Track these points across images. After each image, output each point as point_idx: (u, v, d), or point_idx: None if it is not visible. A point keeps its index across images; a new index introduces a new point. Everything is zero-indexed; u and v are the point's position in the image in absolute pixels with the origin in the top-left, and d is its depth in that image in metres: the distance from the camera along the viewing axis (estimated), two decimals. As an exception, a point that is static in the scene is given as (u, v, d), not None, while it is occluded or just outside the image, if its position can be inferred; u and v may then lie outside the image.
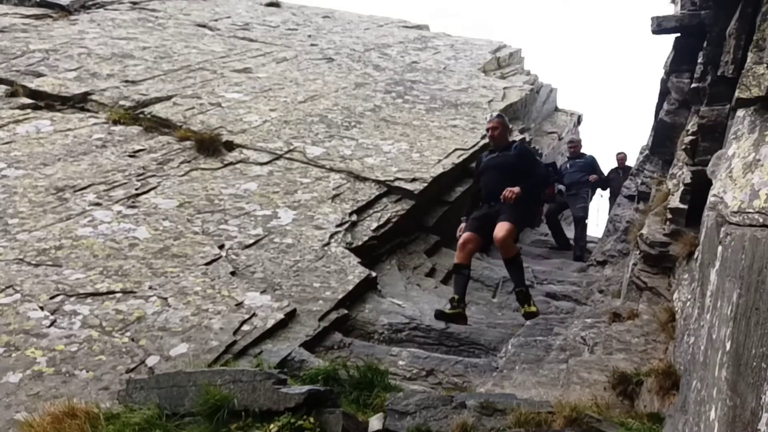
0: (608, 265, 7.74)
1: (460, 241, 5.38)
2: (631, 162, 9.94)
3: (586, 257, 8.70)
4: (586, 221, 9.41)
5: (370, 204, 6.48)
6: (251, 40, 11.11)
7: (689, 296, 3.95)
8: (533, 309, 5.24)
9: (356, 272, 5.34)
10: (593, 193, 9.90)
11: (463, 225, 5.54)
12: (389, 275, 5.98)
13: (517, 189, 5.24)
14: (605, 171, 10.34)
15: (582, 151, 10.01)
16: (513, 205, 5.25)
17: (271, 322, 4.50)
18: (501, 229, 5.15)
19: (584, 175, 9.43)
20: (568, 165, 9.78)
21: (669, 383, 3.55)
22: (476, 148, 7.80)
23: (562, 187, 9.28)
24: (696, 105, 5.50)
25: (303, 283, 5.10)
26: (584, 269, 8.02)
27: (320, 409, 3.11)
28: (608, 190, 10.16)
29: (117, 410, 3.44)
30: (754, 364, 1.70)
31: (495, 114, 5.84)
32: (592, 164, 9.75)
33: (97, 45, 9.44)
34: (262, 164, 6.85)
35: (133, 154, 6.68)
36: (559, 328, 5.17)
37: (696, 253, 3.95)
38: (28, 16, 10.26)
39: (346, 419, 3.06)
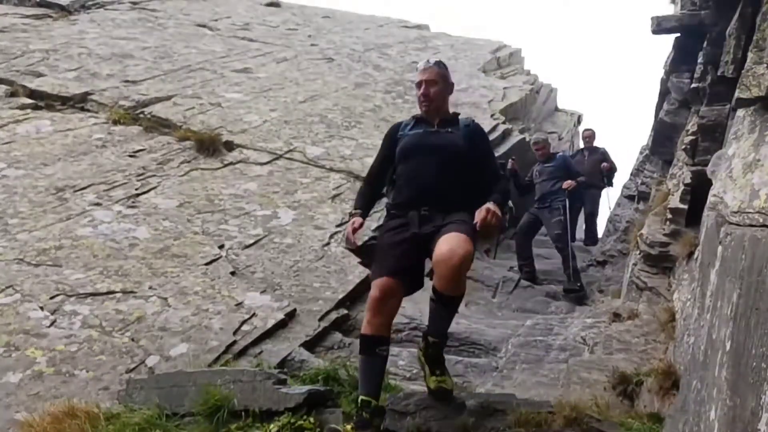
0: (608, 265, 7.75)
1: (374, 293, 3.08)
2: (631, 162, 9.82)
3: (584, 291, 6.85)
4: (566, 238, 7.28)
5: (370, 204, 6.47)
6: (251, 40, 11.11)
7: (689, 296, 3.95)
8: (445, 384, 3.20)
9: (356, 272, 5.34)
10: (575, 200, 7.84)
11: (357, 221, 3.38)
12: (389, 275, 5.97)
13: (497, 212, 3.16)
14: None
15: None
16: (463, 219, 3.16)
17: (271, 322, 4.50)
18: (458, 245, 2.95)
19: (557, 181, 7.52)
20: (537, 172, 7.75)
21: (669, 383, 3.55)
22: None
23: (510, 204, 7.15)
24: (696, 105, 5.50)
25: (303, 283, 5.09)
26: (584, 269, 8.01)
27: (320, 409, 3.11)
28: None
29: (117, 410, 3.44)
30: (754, 364, 1.69)
31: (432, 60, 3.55)
32: (564, 166, 7.76)
33: (97, 45, 9.43)
34: (262, 164, 6.85)
35: (133, 154, 6.68)
36: (559, 328, 5.17)
37: (696, 253, 3.95)
38: (28, 16, 10.26)
39: (346, 419, 3.05)
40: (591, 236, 9.50)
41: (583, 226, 9.85)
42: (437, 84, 3.44)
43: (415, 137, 3.43)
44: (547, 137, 8.28)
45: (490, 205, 3.14)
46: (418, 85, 3.47)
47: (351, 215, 3.49)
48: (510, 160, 7.53)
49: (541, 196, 7.59)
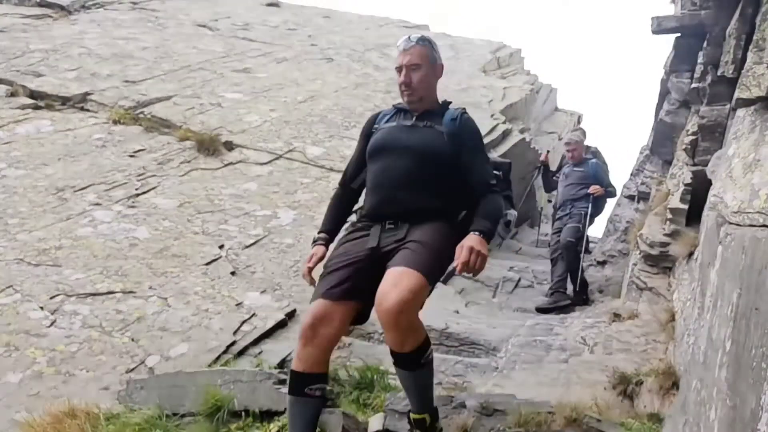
0: (608, 265, 7.74)
1: (304, 319, 2.50)
2: (631, 162, 9.75)
3: (588, 298, 6.59)
4: (578, 248, 6.73)
5: (370, 204, 6.47)
6: (251, 40, 11.11)
7: (689, 296, 3.95)
8: None
9: (356, 272, 5.33)
10: (598, 209, 7.21)
11: (316, 255, 2.76)
12: (389, 275, 5.96)
13: (484, 252, 2.44)
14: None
15: (586, 155, 7.24)
16: (432, 232, 2.55)
17: (271, 322, 4.50)
18: (400, 283, 2.34)
19: (582, 188, 6.94)
20: (564, 174, 7.23)
21: (669, 383, 3.55)
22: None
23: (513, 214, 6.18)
24: (696, 105, 5.50)
25: (303, 283, 5.04)
26: (584, 269, 7.98)
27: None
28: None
29: (117, 410, 3.44)
30: (754, 364, 1.69)
31: (415, 37, 2.79)
32: (594, 175, 7.04)
33: (97, 45, 9.44)
34: (262, 164, 6.85)
35: (133, 154, 6.68)
36: (559, 328, 5.17)
37: (696, 253, 3.96)
38: (28, 16, 10.27)
39: (346, 419, 3.05)
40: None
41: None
42: (421, 68, 2.75)
43: (387, 132, 2.79)
44: (582, 138, 7.50)
45: (473, 241, 2.44)
46: (398, 70, 2.77)
47: (313, 242, 2.81)
48: (545, 152, 7.29)
49: (562, 202, 7.06)
